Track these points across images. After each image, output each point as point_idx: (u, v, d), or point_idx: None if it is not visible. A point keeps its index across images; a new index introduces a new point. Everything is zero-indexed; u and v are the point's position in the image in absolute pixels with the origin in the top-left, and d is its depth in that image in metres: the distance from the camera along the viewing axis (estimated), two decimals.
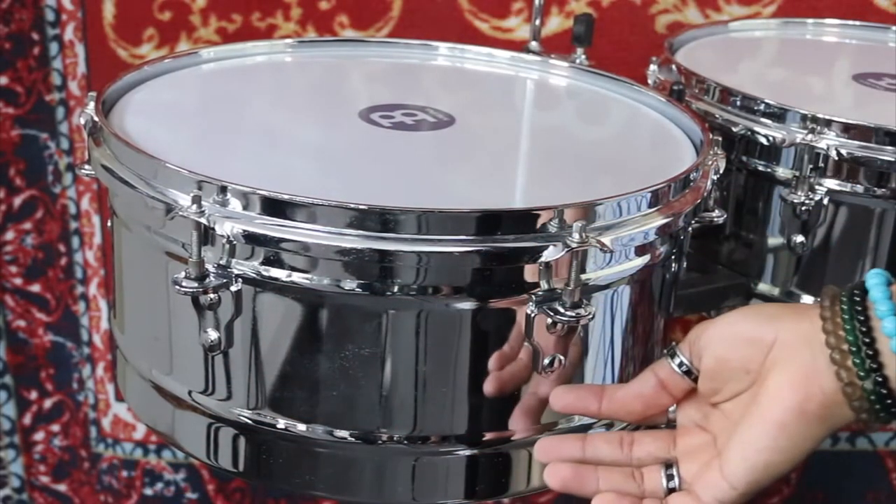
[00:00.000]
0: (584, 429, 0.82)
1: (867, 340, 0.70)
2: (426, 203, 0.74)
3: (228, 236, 0.73)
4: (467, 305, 0.75)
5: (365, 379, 0.76)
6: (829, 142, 0.97)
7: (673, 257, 0.85)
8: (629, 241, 0.77)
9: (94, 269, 1.45)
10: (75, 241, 1.45)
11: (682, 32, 1.20)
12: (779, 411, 0.72)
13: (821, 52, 1.24)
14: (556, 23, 1.35)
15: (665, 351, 0.79)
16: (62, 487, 1.55)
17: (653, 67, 1.11)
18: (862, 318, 0.71)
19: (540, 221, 0.73)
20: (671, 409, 0.79)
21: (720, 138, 0.88)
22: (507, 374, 0.78)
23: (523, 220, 0.73)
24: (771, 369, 0.73)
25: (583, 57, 1.11)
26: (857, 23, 1.28)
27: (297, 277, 0.75)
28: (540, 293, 0.76)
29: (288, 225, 0.73)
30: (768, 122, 1.00)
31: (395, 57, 1.07)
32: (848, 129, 0.97)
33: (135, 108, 0.90)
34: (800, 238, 1.00)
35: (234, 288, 0.75)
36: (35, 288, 1.46)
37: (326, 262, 0.74)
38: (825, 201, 0.99)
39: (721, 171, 0.86)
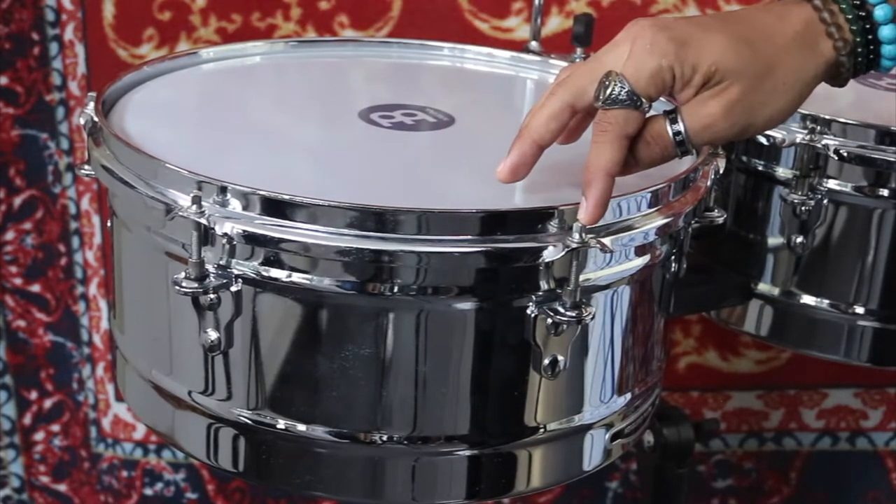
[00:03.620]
0: (585, 429, 0.82)
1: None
2: (426, 203, 0.74)
3: (228, 236, 0.73)
4: (467, 306, 0.75)
5: (365, 379, 0.76)
6: (829, 142, 0.97)
7: (673, 257, 0.85)
8: (629, 242, 0.77)
9: (94, 269, 1.45)
10: (75, 241, 1.45)
11: None
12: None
13: None
14: (556, 23, 1.35)
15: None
16: (62, 487, 1.55)
17: None
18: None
19: (540, 222, 0.73)
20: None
21: None
22: (507, 373, 0.78)
23: (524, 221, 0.73)
24: None
25: (583, 57, 1.11)
26: None
27: (297, 278, 0.75)
28: (540, 293, 0.75)
29: (288, 225, 0.72)
30: None
31: (395, 57, 1.07)
32: (848, 129, 0.97)
33: (135, 108, 0.90)
34: (800, 238, 1.00)
35: (234, 288, 0.75)
36: (35, 288, 1.46)
37: (326, 263, 0.73)
38: (825, 201, 0.99)
39: (721, 171, 0.86)
